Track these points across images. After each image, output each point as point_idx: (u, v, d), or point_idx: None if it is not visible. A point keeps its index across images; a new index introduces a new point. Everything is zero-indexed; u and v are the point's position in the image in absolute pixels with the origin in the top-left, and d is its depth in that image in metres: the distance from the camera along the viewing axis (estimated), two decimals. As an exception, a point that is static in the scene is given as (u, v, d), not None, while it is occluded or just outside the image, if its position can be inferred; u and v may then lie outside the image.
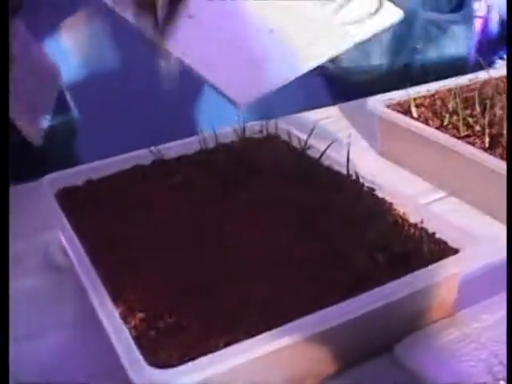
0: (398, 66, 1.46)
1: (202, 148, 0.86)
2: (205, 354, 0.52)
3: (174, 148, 0.86)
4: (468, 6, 1.50)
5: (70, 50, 1.97)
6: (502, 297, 0.66)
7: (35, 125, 1.13)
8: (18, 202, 0.88)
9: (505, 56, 2.76)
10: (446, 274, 0.62)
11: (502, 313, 0.65)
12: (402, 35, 1.42)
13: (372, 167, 0.87)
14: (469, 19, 1.52)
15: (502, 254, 0.62)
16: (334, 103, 1.57)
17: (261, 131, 0.90)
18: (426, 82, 1.03)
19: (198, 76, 0.92)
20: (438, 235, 0.67)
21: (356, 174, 0.73)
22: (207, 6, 0.95)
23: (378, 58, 1.45)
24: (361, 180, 0.74)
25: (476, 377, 0.59)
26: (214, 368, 0.51)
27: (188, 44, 0.90)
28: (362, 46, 1.42)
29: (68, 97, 1.25)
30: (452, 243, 0.65)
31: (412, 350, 0.63)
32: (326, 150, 0.79)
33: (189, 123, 2.03)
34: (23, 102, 1.10)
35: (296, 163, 0.80)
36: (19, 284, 0.75)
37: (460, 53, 1.49)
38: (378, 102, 0.98)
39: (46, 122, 1.15)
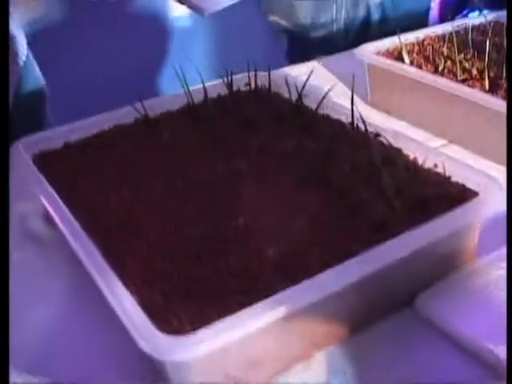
0: (357, 20, 1.41)
1: (188, 103, 0.79)
2: (218, 317, 0.47)
3: (157, 104, 0.80)
4: None
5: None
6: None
7: None
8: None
9: (470, 15, 2.74)
10: (470, 219, 0.57)
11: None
12: None
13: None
14: None
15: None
16: (289, 59, 1.53)
17: (248, 84, 0.84)
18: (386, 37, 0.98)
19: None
20: (454, 178, 0.62)
21: (361, 118, 0.68)
22: None
23: (335, 13, 1.40)
24: (366, 125, 0.69)
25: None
26: (231, 333, 0.46)
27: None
28: (318, 1, 1.38)
29: (35, 65, 1.18)
30: (471, 186, 0.61)
31: (433, 302, 0.58)
32: (324, 96, 0.73)
33: (160, 84, 1.97)
34: None
35: (293, 113, 0.74)
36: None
37: (419, 6, 1.44)
38: (366, 51, 0.93)
39: (11, 93, 1.08)
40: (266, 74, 0.84)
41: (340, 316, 0.54)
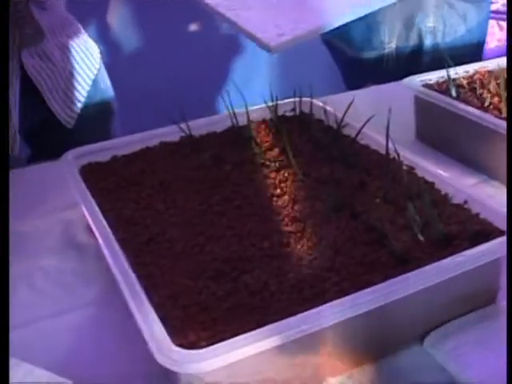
0: (409, 45, 1.42)
1: (232, 125, 0.82)
2: (234, 335, 0.49)
3: (203, 125, 0.83)
4: None
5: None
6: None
7: (68, 107, 1.11)
8: (39, 180, 0.86)
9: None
10: (493, 257, 0.58)
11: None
12: (412, 12, 1.37)
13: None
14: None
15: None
16: (345, 82, 1.54)
17: (293, 109, 0.86)
18: (439, 65, 0.98)
19: (229, 22, 0.87)
20: (482, 216, 0.63)
21: (396, 152, 0.69)
22: None
23: (387, 35, 1.40)
24: (400, 159, 0.70)
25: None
26: (244, 351, 0.47)
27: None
28: (371, 23, 1.38)
29: (106, 77, 1.23)
30: (497, 224, 0.61)
31: (441, 342, 0.58)
32: (362, 126, 0.75)
33: (217, 102, 2.02)
34: (58, 83, 1.08)
35: (332, 142, 0.76)
36: (40, 263, 0.72)
37: (472, 36, 1.43)
38: (414, 82, 0.94)
39: (79, 105, 1.13)
40: (313, 100, 0.86)
41: (352, 344, 0.55)
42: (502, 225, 0.61)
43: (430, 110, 0.91)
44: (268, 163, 0.73)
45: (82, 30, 1.16)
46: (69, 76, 1.09)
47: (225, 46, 2.09)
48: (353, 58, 1.44)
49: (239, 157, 0.75)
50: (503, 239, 0.59)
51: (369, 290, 0.52)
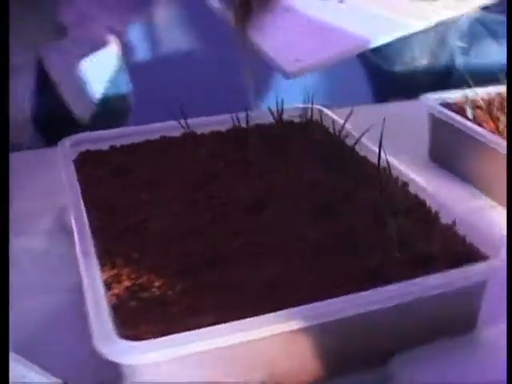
0: (440, 63, 1.39)
1: (234, 126, 0.81)
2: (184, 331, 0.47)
3: (205, 123, 0.82)
4: None
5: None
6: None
7: (84, 104, 1.11)
8: (36, 164, 0.86)
9: None
10: (468, 282, 0.55)
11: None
12: (445, 30, 1.34)
13: (417, 169, 0.80)
14: None
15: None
16: (373, 95, 1.52)
17: (301, 116, 0.85)
18: (469, 85, 0.95)
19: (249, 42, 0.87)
20: (468, 240, 0.60)
21: (387, 164, 0.67)
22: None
23: (419, 51, 1.38)
24: (391, 172, 0.68)
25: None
26: (187, 347, 0.46)
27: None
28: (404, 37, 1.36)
29: (124, 73, 1.23)
30: (483, 250, 0.59)
31: (405, 367, 0.55)
32: (360, 138, 0.73)
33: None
34: (75, 80, 1.08)
35: (331, 150, 0.75)
36: (28, 244, 0.73)
37: (503, 55, 1.40)
38: (431, 99, 0.92)
39: (95, 101, 1.13)
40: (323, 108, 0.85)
41: (314, 355, 0.53)
42: (488, 250, 0.58)
43: (444, 129, 0.89)
44: (261, 164, 0.72)
45: (103, 24, 1.16)
46: (86, 72, 1.09)
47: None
48: (384, 71, 1.42)
49: (234, 158, 0.75)
50: (487, 264, 0.56)
51: (337, 299, 0.50)
